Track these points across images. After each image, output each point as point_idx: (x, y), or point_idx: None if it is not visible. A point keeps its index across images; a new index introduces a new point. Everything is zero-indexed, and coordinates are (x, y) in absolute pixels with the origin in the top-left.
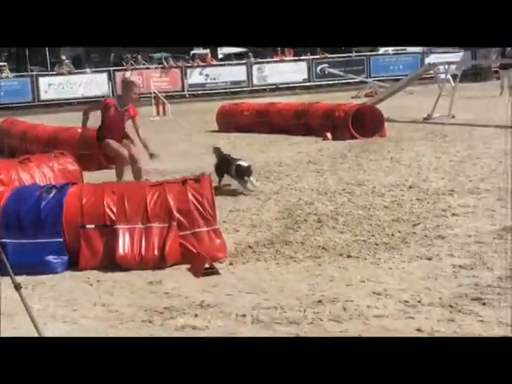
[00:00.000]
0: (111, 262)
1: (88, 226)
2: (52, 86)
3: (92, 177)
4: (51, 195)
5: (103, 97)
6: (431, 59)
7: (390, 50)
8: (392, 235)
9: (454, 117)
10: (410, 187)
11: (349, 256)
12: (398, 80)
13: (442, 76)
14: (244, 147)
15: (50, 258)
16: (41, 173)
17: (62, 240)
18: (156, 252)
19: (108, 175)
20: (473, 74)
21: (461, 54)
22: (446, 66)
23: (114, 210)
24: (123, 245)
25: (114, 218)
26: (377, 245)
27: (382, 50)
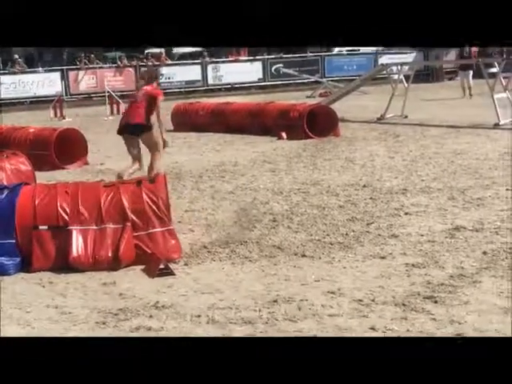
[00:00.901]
0: (65, 264)
1: (41, 227)
2: (4, 85)
3: (44, 177)
4: (3, 196)
5: (56, 96)
6: (384, 60)
7: (344, 50)
8: (346, 234)
9: (406, 117)
10: (364, 186)
11: (304, 255)
12: (351, 80)
13: (395, 76)
14: (199, 147)
15: (2, 259)
16: None
17: (14, 241)
18: (110, 253)
19: (61, 175)
20: (425, 75)
21: (413, 54)
22: (399, 67)
23: (68, 210)
24: (76, 246)
25: (67, 218)
26: (331, 244)
27: (336, 50)
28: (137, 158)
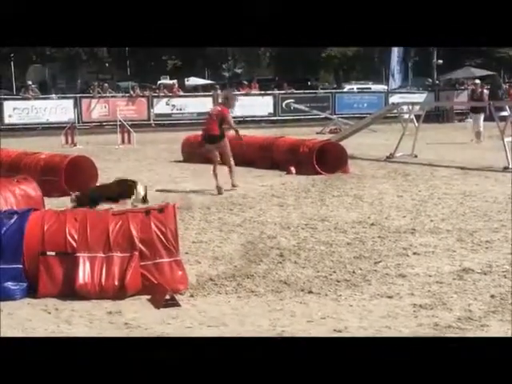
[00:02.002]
0: (71, 291)
1: (48, 253)
2: (16, 111)
3: (54, 203)
4: (12, 221)
5: (68, 123)
6: (395, 99)
7: (355, 88)
8: (353, 272)
9: (416, 156)
10: (372, 224)
11: (310, 292)
12: (362, 118)
13: (406, 116)
14: (208, 178)
15: (9, 284)
16: (2, 198)
17: (21, 266)
18: (116, 282)
19: (70, 202)
20: (435, 115)
21: (424, 94)
22: (410, 107)
23: (76, 237)
24: (83, 273)
25: (75, 245)
26: (338, 281)
27: (346, 87)
28: (215, 161)
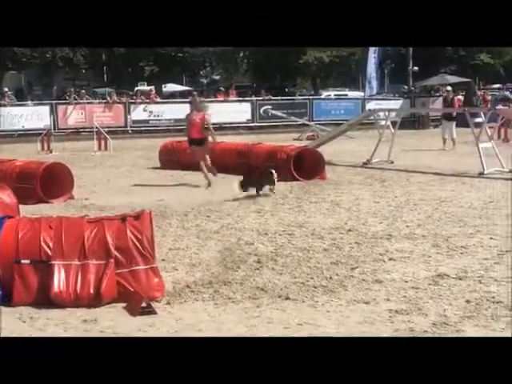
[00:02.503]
0: (46, 299)
1: (23, 261)
2: None
3: (29, 210)
4: None
5: (44, 130)
6: (372, 105)
7: (332, 94)
8: (330, 278)
9: (392, 162)
10: (349, 230)
11: (287, 298)
12: (339, 124)
13: (382, 122)
14: (186, 185)
15: None
16: None
17: None
18: (92, 289)
19: (46, 209)
20: (411, 122)
21: (400, 101)
22: (386, 113)
23: (51, 245)
24: (58, 281)
25: (50, 253)
26: (315, 287)
27: (324, 94)
28: (202, 160)
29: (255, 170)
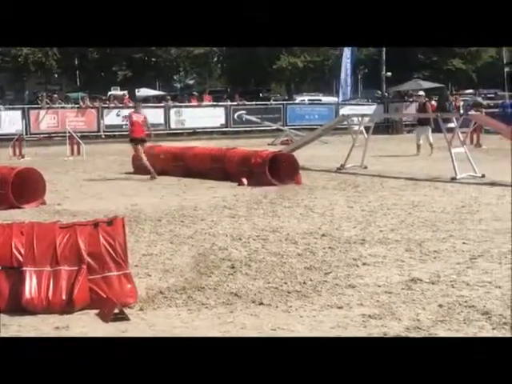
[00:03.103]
0: (18, 306)
1: None
2: None
3: (0, 216)
4: None
5: (16, 134)
6: (345, 111)
7: (306, 99)
8: (304, 283)
9: (366, 167)
10: (323, 235)
11: (261, 303)
12: (313, 129)
13: (356, 127)
14: (159, 190)
15: None
16: None
17: None
18: (64, 296)
19: (18, 215)
20: (385, 127)
21: (374, 106)
22: (360, 118)
23: (22, 251)
24: (30, 288)
25: (21, 259)
26: (289, 292)
27: (298, 99)
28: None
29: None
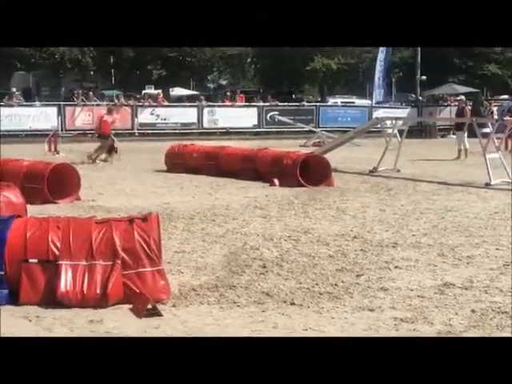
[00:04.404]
0: (52, 299)
1: (31, 261)
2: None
3: (36, 210)
4: None
5: (51, 130)
6: (379, 113)
7: (339, 102)
8: (336, 285)
9: (399, 171)
10: (355, 237)
11: (292, 303)
12: (345, 131)
13: (389, 130)
14: (192, 188)
15: None
16: None
17: (2, 273)
18: (98, 290)
19: (53, 210)
20: (418, 131)
21: (407, 110)
22: (393, 121)
23: (59, 245)
24: (65, 281)
25: (57, 253)
26: (320, 294)
27: (331, 101)
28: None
29: None
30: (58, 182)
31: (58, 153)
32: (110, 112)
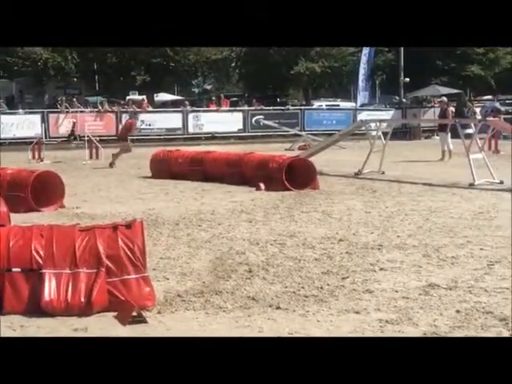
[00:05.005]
0: (37, 307)
1: (14, 270)
2: None
3: (20, 219)
4: None
5: (35, 138)
6: (363, 116)
7: (324, 105)
8: (321, 288)
9: (383, 173)
10: (340, 240)
11: (278, 308)
12: (330, 135)
13: (374, 133)
14: (177, 194)
15: None
16: None
17: None
18: (83, 298)
19: (37, 218)
20: (402, 133)
21: (391, 112)
22: (378, 124)
23: (42, 253)
24: (49, 290)
25: (40, 262)
26: (306, 297)
27: (315, 104)
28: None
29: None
30: (42, 190)
31: (42, 160)
32: (133, 117)
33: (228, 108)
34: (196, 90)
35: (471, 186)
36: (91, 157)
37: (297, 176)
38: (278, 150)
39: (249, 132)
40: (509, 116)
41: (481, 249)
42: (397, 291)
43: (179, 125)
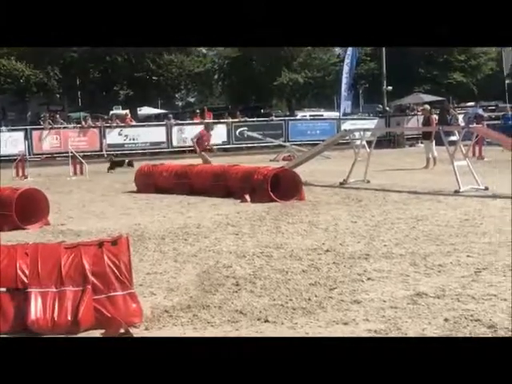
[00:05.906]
0: (23, 327)
1: None
2: None
3: (4, 237)
4: None
5: (18, 155)
6: (347, 125)
7: (308, 115)
8: (309, 299)
9: (369, 182)
10: (327, 251)
11: (266, 321)
12: (315, 145)
13: (358, 142)
14: (162, 208)
15: None
16: None
17: None
18: (69, 316)
19: (22, 236)
20: (387, 141)
21: (375, 120)
22: (362, 133)
23: (27, 272)
24: (35, 309)
25: (26, 281)
26: (294, 309)
27: (299, 115)
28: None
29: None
30: (26, 208)
31: (26, 177)
32: (207, 128)
33: (212, 120)
34: (179, 104)
35: (456, 193)
36: (75, 173)
37: (282, 187)
38: (262, 162)
39: (233, 144)
40: (491, 122)
41: (468, 256)
42: (385, 301)
43: (163, 139)
